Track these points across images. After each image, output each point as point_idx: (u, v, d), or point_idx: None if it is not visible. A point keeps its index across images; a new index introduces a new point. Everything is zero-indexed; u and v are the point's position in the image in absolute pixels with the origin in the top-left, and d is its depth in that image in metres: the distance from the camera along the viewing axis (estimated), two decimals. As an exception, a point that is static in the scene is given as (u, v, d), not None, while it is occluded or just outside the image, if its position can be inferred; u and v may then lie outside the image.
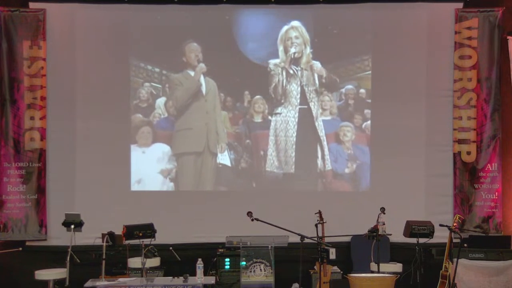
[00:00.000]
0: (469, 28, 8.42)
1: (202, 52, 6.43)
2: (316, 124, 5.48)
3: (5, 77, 8.23)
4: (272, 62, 5.30)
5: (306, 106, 5.78)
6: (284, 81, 5.37)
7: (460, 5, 8.50)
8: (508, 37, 8.34)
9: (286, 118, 5.28)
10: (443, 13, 8.49)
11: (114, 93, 8.43)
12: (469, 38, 8.41)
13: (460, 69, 8.43)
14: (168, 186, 5.22)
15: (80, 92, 8.41)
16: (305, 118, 5.56)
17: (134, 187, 5.91)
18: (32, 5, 8.35)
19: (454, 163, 8.44)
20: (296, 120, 5.47)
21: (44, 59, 8.27)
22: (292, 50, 5.33)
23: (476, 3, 8.47)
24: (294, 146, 5.54)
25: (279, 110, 5.45)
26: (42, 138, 8.27)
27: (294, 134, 5.43)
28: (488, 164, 8.39)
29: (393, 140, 8.49)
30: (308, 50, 5.72)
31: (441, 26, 8.49)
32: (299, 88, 5.48)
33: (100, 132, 8.37)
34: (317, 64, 6.14)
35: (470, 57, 8.41)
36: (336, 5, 8.50)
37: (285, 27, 5.30)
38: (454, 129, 8.45)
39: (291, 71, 5.37)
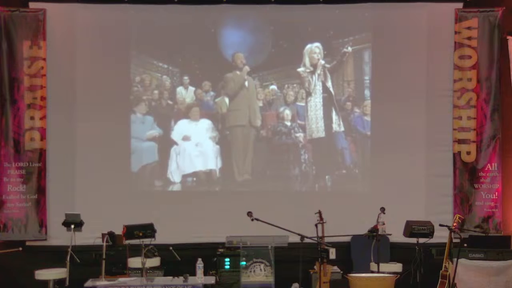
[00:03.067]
0: (469, 28, 8.41)
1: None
2: (332, 106, 7.80)
3: (5, 77, 8.22)
4: (300, 69, 7.59)
5: (326, 94, 7.92)
6: (316, 80, 7.58)
7: (460, 5, 8.49)
8: (508, 37, 8.33)
9: (315, 103, 7.52)
10: (443, 13, 8.48)
11: (114, 93, 8.44)
12: (469, 38, 8.41)
13: (460, 69, 8.42)
14: (217, 148, 7.25)
15: (80, 92, 8.41)
16: (326, 102, 7.90)
17: (194, 149, 7.38)
18: (32, 5, 8.35)
19: (454, 163, 8.44)
20: (321, 103, 7.71)
21: (44, 59, 8.27)
22: (322, 62, 7.56)
23: (476, 3, 8.46)
24: (322, 120, 7.63)
25: (308, 99, 7.66)
26: (42, 138, 8.27)
27: (321, 112, 7.61)
28: (488, 164, 8.39)
29: (393, 140, 8.50)
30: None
31: (441, 26, 8.49)
32: (320, 83, 7.63)
33: (100, 132, 8.37)
34: (326, 65, 7.94)
35: (470, 57, 8.41)
36: (336, 5, 8.51)
37: (310, 45, 7.56)
38: (454, 129, 8.45)
39: (318, 74, 7.61)
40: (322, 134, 7.93)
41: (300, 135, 7.86)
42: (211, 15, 8.49)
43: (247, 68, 7.37)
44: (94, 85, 8.40)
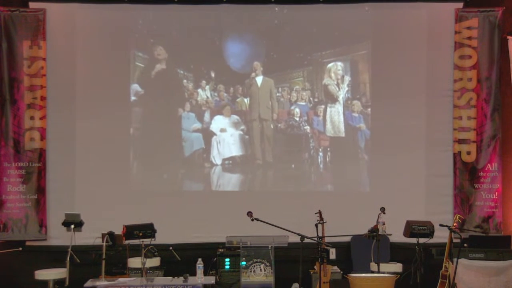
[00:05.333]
0: (469, 28, 8.42)
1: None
2: (346, 111, 8.64)
3: (5, 77, 8.23)
4: (325, 81, 8.53)
5: (346, 102, 8.66)
6: (342, 92, 8.56)
7: (460, 5, 8.50)
8: (508, 37, 8.34)
9: (337, 108, 8.47)
10: (443, 13, 8.49)
11: (114, 93, 8.45)
12: (469, 38, 8.41)
13: (460, 69, 8.43)
14: (246, 138, 8.48)
15: (80, 92, 8.42)
16: (345, 109, 8.66)
17: (230, 139, 8.51)
18: (32, 5, 8.36)
19: (454, 163, 8.44)
20: (342, 109, 8.57)
21: (44, 59, 8.28)
22: (347, 78, 8.53)
23: (476, 3, 8.47)
24: (343, 122, 8.54)
25: (332, 104, 8.55)
26: (42, 138, 8.27)
27: (342, 115, 8.55)
28: (488, 164, 8.39)
29: (393, 140, 8.50)
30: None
31: (441, 26, 8.49)
32: (340, 91, 8.58)
33: (100, 132, 8.38)
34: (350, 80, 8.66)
35: (470, 57, 8.41)
36: (336, 5, 8.52)
37: (333, 63, 8.53)
38: (454, 129, 8.46)
39: (343, 87, 8.55)
40: (342, 134, 8.62)
41: (307, 128, 8.54)
42: (213, 15, 8.52)
43: (259, 72, 8.45)
44: (94, 85, 8.40)
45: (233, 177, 8.47)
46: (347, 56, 8.58)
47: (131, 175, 8.50)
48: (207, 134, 8.53)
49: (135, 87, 8.54)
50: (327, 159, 8.61)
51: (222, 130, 8.37)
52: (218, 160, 8.47)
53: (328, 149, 8.59)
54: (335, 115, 8.52)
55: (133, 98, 8.52)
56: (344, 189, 8.59)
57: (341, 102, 8.58)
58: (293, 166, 8.63)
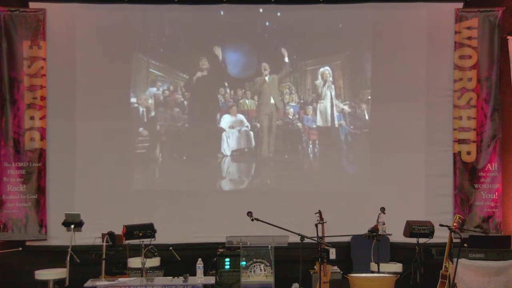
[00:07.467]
0: (469, 28, 8.42)
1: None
2: (334, 108, 8.87)
3: (5, 77, 8.23)
4: (316, 82, 8.82)
5: (332, 100, 8.88)
6: (325, 90, 8.82)
7: (460, 5, 8.50)
8: (508, 37, 8.34)
9: (325, 105, 8.75)
10: (443, 13, 8.49)
11: (114, 93, 8.45)
12: (469, 38, 8.42)
13: (460, 69, 8.43)
14: (251, 133, 8.94)
15: (80, 92, 8.42)
16: (332, 105, 8.87)
17: (237, 134, 8.97)
18: (32, 5, 8.36)
19: (454, 163, 8.44)
20: (330, 104, 8.76)
21: (44, 59, 8.28)
22: (330, 79, 8.82)
23: (476, 3, 8.47)
24: (330, 115, 8.80)
25: (322, 101, 8.81)
26: (42, 138, 8.28)
27: (330, 109, 8.79)
28: (488, 164, 8.39)
29: (393, 140, 8.50)
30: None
31: (441, 26, 8.50)
32: (329, 92, 8.82)
33: (100, 132, 8.38)
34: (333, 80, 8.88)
35: (470, 57, 8.42)
36: (336, 5, 8.52)
37: (322, 69, 8.84)
38: (454, 129, 8.46)
39: (327, 86, 8.81)
40: (329, 125, 8.84)
41: (299, 124, 8.83)
42: (212, 16, 8.53)
43: (267, 73, 8.84)
44: (94, 85, 8.40)
45: (240, 165, 8.91)
46: (327, 65, 8.67)
47: (131, 175, 8.50)
48: (218, 130, 8.87)
49: (152, 90, 8.62)
50: (317, 154, 8.72)
51: (231, 127, 8.85)
52: (228, 152, 8.83)
53: (318, 143, 8.75)
54: (323, 109, 8.78)
55: (150, 101, 8.61)
56: (344, 189, 8.58)
57: (328, 99, 8.72)
58: (293, 160, 8.77)
